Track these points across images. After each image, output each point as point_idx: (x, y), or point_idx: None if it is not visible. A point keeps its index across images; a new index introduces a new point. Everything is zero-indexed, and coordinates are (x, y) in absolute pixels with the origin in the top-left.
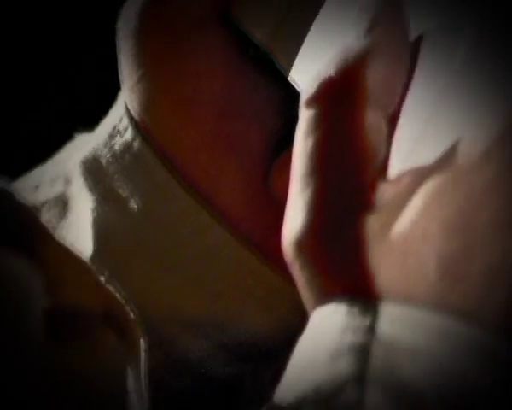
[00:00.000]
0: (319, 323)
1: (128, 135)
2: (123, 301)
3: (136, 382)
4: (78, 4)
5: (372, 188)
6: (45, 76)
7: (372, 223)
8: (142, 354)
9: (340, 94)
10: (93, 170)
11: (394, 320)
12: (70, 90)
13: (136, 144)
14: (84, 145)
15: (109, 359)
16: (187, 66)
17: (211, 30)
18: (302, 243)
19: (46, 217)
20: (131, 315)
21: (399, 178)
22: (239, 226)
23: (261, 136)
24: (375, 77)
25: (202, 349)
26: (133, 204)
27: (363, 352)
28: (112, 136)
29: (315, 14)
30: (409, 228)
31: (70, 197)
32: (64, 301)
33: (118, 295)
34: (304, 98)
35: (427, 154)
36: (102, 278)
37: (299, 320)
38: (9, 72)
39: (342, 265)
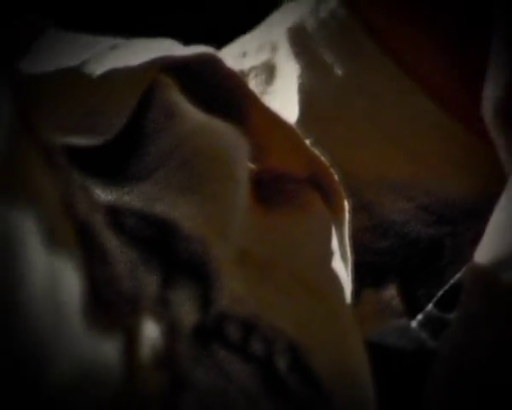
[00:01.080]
0: None
1: (333, 2)
2: (328, 165)
3: (341, 244)
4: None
5: None
6: None
7: None
8: (347, 217)
9: None
10: (299, 37)
11: None
12: None
13: (341, 11)
14: (290, 13)
15: (315, 221)
16: None
17: None
18: (501, 107)
19: (253, 83)
20: (336, 178)
21: None
22: (440, 93)
23: (460, 8)
24: None
25: (404, 211)
26: (338, 71)
27: None
28: (318, 3)
29: None
30: None
31: (276, 64)
32: (271, 165)
33: (323, 158)
34: None
35: None
36: (308, 143)
37: (499, 183)
38: None
39: None
